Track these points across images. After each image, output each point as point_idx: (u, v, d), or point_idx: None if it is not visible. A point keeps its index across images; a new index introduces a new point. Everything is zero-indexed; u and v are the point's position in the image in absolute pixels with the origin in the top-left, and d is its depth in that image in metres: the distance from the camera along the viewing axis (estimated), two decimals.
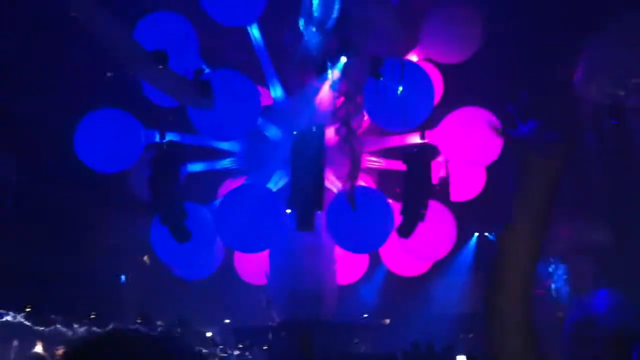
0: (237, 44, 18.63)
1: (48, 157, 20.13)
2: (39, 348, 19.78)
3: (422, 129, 18.27)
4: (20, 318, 19.87)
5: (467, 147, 18.25)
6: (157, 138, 18.26)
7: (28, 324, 20.60)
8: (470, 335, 21.96)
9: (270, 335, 20.66)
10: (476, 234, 22.47)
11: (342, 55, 16.46)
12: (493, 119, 15.42)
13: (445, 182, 18.63)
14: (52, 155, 19.74)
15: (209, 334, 23.24)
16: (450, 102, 18.62)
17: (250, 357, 22.59)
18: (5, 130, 19.79)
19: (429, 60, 18.90)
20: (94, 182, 19.80)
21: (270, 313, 20.95)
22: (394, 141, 19.36)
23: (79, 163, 18.02)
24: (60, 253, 21.41)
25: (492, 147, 18.44)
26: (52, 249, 21.40)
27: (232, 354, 22.29)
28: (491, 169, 19.12)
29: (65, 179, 20.00)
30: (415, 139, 18.66)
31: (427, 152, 18.22)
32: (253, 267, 20.97)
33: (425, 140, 18.50)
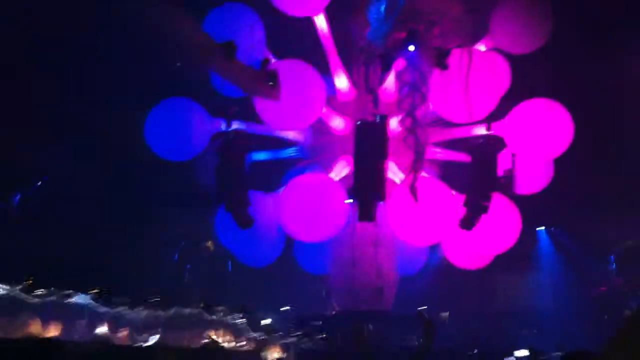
0: (304, 34, 18.74)
1: (110, 151, 20.64)
2: (102, 329, 20.40)
3: (488, 121, 18.02)
4: (85, 300, 20.41)
5: (534, 139, 17.96)
6: (224, 127, 18.58)
7: (93, 305, 21.16)
8: (534, 331, 21.67)
9: (328, 324, 20.78)
10: (542, 228, 22.11)
11: (408, 45, 16.35)
12: None
13: (510, 174, 18.35)
14: (114, 149, 20.25)
15: (267, 321, 23.53)
16: (518, 94, 18.32)
17: (308, 345, 22.79)
18: (66, 124, 20.39)
19: (498, 50, 18.62)
20: (154, 175, 20.27)
21: (329, 302, 21.07)
22: (459, 132, 19.17)
23: (141, 155, 18.48)
24: (126, 243, 22.02)
25: (560, 140, 18.14)
26: (118, 236, 22.03)
27: (290, 342, 22.54)
28: (559, 162, 18.82)
29: (127, 173, 20.55)
30: (481, 130, 18.43)
31: (492, 144, 17.97)
32: (314, 256, 21.14)
33: (491, 132, 18.24)
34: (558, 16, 18.21)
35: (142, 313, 21.80)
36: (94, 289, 18.28)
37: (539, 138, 17.86)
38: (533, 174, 18.93)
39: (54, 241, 19.95)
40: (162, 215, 22.67)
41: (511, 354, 20.65)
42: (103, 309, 19.59)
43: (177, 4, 14.52)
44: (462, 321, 22.27)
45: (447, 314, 24.24)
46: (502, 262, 19.83)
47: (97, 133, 19.63)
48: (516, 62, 18.73)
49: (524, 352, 18.76)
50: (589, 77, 18.45)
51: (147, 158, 18.86)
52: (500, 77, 17.35)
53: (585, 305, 22.25)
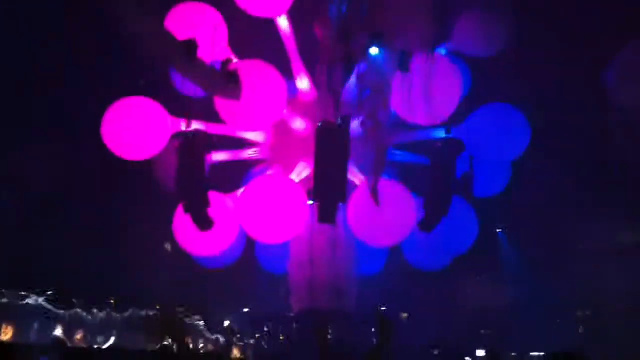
0: (265, 35, 18.68)
1: (75, 148, 20.30)
2: (59, 331, 20.00)
3: (448, 124, 18.23)
4: (42, 301, 20.05)
5: (492, 142, 18.24)
6: (184, 127, 18.36)
7: (49, 307, 20.77)
8: (489, 332, 22.03)
9: (288, 325, 20.78)
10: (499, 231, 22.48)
11: (370, 48, 16.42)
12: None
13: (469, 177, 18.59)
14: (79, 147, 19.93)
15: (226, 323, 23.47)
16: (477, 97, 18.59)
17: (267, 346, 22.75)
18: (30, 120, 20.01)
19: (458, 53, 18.83)
20: (116, 173, 19.98)
21: (288, 303, 21.05)
22: (419, 135, 19.34)
23: (103, 153, 18.17)
24: (82, 241, 21.64)
25: (517, 143, 18.46)
26: (75, 236, 21.63)
27: (249, 342, 22.52)
28: (516, 165, 19.16)
29: (90, 170, 20.23)
30: (440, 133, 18.63)
31: (452, 147, 18.17)
32: (274, 256, 21.08)
33: (451, 135, 18.45)
34: (518, 20, 18.52)
35: (98, 315, 21.44)
36: (49, 290, 17.92)
37: (497, 141, 18.14)
38: (491, 177, 19.22)
39: (10, 239, 19.52)
40: (121, 216, 22.37)
41: (471, 354, 20.99)
42: (59, 311, 19.20)
43: (139, 2, 14.33)
44: (422, 322, 22.51)
45: (406, 314, 24.49)
46: (461, 263, 20.10)
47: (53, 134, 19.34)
48: (475, 66, 19.01)
49: (482, 353, 19.08)
50: (548, 80, 18.83)
51: (106, 157, 18.55)
52: (460, 81, 17.55)
53: (545, 306, 22.69)
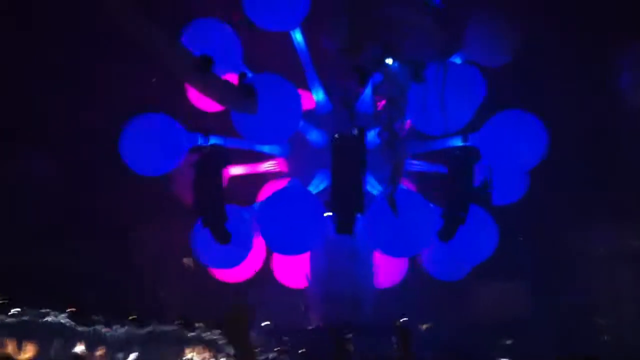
0: (280, 49, 18.81)
1: (89, 161, 20.48)
2: (79, 348, 20.05)
3: (464, 132, 18.19)
4: (61, 318, 20.06)
5: (509, 150, 18.17)
6: (201, 141, 18.50)
7: (70, 324, 20.79)
8: (509, 342, 21.76)
9: (307, 339, 20.69)
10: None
11: (385, 59, 16.45)
12: None
13: (487, 185, 18.50)
14: (94, 159, 20.11)
15: None
16: (494, 105, 18.54)
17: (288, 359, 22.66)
18: (46, 133, 20.22)
19: (473, 62, 18.83)
20: (134, 186, 20.12)
21: (307, 316, 21.01)
22: (436, 144, 19.32)
23: (119, 167, 18.33)
24: (101, 256, 21.76)
25: (534, 150, 18.37)
26: (94, 251, 21.76)
27: (269, 357, 22.39)
28: (534, 173, 19.06)
29: (107, 183, 20.37)
30: (457, 142, 18.59)
31: (469, 156, 18.12)
32: (291, 270, 21.09)
33: (468, 144, 18.41)
34: (532, 26, 18.53)
35: (119, 331, 21.50)
36: (70, 307, 17.99)
37: (514, 149, 18.08)
38: (509, 185, 19.12)
39: (23, 251, 19.68)
40: (140, 226, 22.49)
41: None
42: (80, 328, 19.27)
43: (153, 18, 14.46)
44: (443, 332, 22.33)
45: (426, 325, 24.31)
46: (481, 272, 19.97)
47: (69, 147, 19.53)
48: (491, 74, 18.99)
49: None
50: (564, 88, 18.78)
51: (120, 171, 18.69)
52: (476, 89, 17.54)
53: (564, 314, 22.46)
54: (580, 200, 20.11)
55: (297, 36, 18.81)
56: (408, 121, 18.19)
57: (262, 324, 25.09)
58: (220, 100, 17.26)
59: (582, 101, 19.67)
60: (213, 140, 18.62)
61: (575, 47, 19.32)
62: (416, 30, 16.40)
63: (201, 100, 18.35)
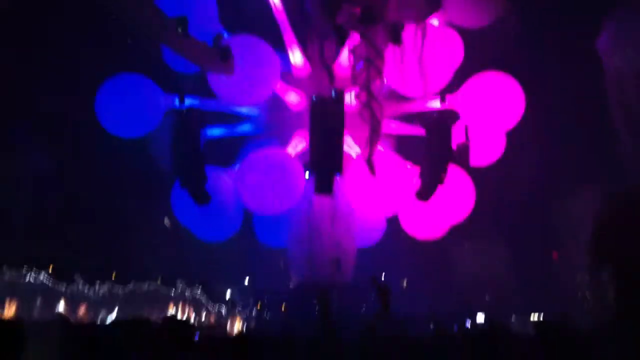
0: (257, 9, 18.47)
1: (71, 124, 20.31)
2: (61, 306, 20.21)
3: (442, 94, 18.15)
4: (43, 277, 20.18)
5: (487, 111, 18.19)
6: (177, 103, 18.32)
7: (51, 283, 20.93)
8: (487, 299, 22.27)
9: (287, 297, 20.97)
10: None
11: (362, 20, 16.24)
12: None
13: (464, 147, 18.57)
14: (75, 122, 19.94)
15: (228, 294, 23.71)
16: (471, 67, 18.46)
17: (268, 317, 22.98)
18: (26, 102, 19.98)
19: (451, 24, 18.65)
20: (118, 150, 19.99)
21: (288, 275, 21.22)
22: (414, 106, 19.27)
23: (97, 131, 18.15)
24: (85, 217, 21.76)
25: (512, 112, 18.40)
26: (77, 212, 21.75)
27: (250, 314, 22.78)
28: (511, 135, 19.12)
29: (88, 145, 20.23)
30: (435, 103, 18.57)
31: (447, 117, 18.13)
32: (272, 229, 21.20)
33: (446, 105, 18.39)
34: None
35: (100, 290, 21.65)
36: (50, 266, 18.07)
37: (492, 110, 18.09)
38: (486, 146, 19.20)
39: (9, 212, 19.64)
40: (119, 192, 22.47)
41: (471, 319, 21.22)
42: (61, 286, 19.38)
43: None
44: (421, 290, 22.71)
45: (404, 282, 24.72)
46: (458, 232, 20.19)
47: (48, 113, 19.28)
48: (468, 36, 18.83)
49: (480, 318, 19.30)
50: (541, 49, 18.69)
51: (99, 135, 18.54)
52: (454, 51, 17.43)
53: (541, 272, 22.88)
54: (557, 160, 20.28)
55: None
56: (386, 82, 18.10)
57: (243, 283, 25.51)
58: (196, 61, 17.02)
59: (561, 63, 19.62)
60: (189, 102, 18.41)
61: (556, 8, 19.17)
62: None
63: (177, 61, 18.08)
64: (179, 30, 15.40)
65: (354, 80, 17.03)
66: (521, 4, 18.10)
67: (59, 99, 19.01)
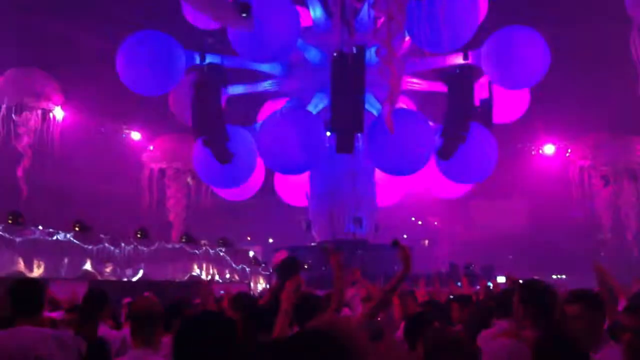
0: None
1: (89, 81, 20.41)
2: (88, 265, 20.57)
3: (465, 50, 17.85)
4: (70, 237, 20.53)
5: (511, 67, 17.86)
6: (198, 60, 18.30)
7: (77, 242, 21.29)
8: (510, 257, 22.19)
9: (310, 255, 21.10)
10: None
11: None
12: None
13: (487, 103, 18.32)
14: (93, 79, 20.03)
15: (251, 253, 23.93)
16: (495, 22, 18.12)
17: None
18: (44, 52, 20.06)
19: None
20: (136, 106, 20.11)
21: (310, 234, 21.35)
22: (436, 62, 19.01)
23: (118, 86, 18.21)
24: (104, 178, 22.01)
25: (536, 67, 18.07)
26: (96, 173, 22.00)
27: (273, 272, 22.97)
28: (535, 90, 18.83)
29: (107, 104, 20.33)
30: (457, 59, 18.28)
31: (469, 73, 17.86)
32: (293, 188, 21.31)
33: (468, 61, 18.10)
34: None
35: (125, 249, 22.03)
36: (75, 225, 18.38)
37: (516, 66, 17.76)
38: (510, 102, 18.94)
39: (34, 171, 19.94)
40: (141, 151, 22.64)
41: (490, 280, 21.16)
42: (87, 246, 19.76)
43: None
44: (444, 247, 22.72)
45: (426, 241, 24.72)
46: (480, 189, 20.08)
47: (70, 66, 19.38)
48: None
49: (502, 279, 19.20)
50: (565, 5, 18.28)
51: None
52: (476, 6, 17.08)
53: (563, 230, 22.68)
54: (580, 119, 19.97)
55: None
56: (407, 38, 17.85)
57: (266, 241, 25.76)
58: (216, 17, 16.92)
59: (588, 19, 19.17)
60: (210, 59, 18.37)
61: None
62: None
63: (197, 18, 18.00)
64: None
65: (375, 35, 16.79)
66: None
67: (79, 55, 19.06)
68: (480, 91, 18.25)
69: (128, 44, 17.90)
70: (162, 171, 22.22)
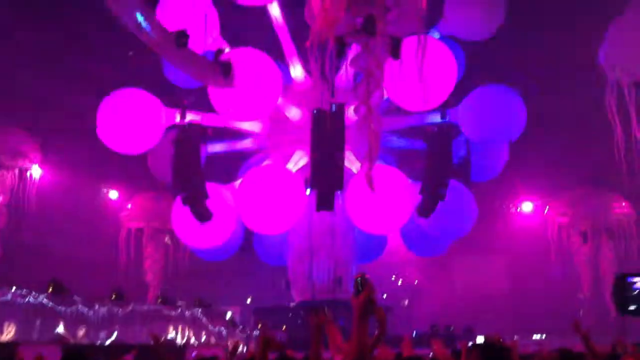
0: (257, 23, 18.60)
1: (69, 139, 20.29)
2: (60, 328, 19.94)
3: (443, 108, 18.14)
4: (43, 298, 19.97)
5: (488, 125, 18.15)
6: (178, 119, 18.33)
7: (50, 304, 20.71)
8: (490, 316, 21.97)
9: (289, 316, 20.74)
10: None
11: (362, 32, 16.26)
12: None
13: (465, 161, 18.51)
14: (72, 136, 19.92)
15: (229, 314, 23.44)
16: (472, 80, 18.50)
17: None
18: (24, 110, 19.97)
19: (452, 37, 18.75)
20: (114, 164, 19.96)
21: (289, 294, 21.03)
22: (414, 120, 19.26)
23: (96, 143, 18.13)
24: (81, 237, 21.63)
25: (513, 126, 18.38)
26: (72, 232, 21.62)
27: (251, 334, 22.47)
28: (513, 148, 19.10)
29: (85, 161, 20.18)
30: (435, 117, 18.55)
31: (447, 131, 18.09)
32: (273, 247, 21.08)
33: (446, 119, 18.37)
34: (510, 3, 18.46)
35: (99, 310, 21.42)
36: (50, 285, 17.87)
37: (493, 124, 18.06)
38: (488, 160, 19.15)
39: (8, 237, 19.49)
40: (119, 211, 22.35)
41: (471, 340, 20.90)
42: (60, 307, 19.18)
43: None
44: (423, 306, 22.49)
45: (406, 300, 24.46)
46: (459, 247, 20.06)
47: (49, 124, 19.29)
48: (469, 49, 18.93)
49: (480, 339, 19.01)
50: (541, 62, 18.77)
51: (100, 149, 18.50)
52: (454, 65, 17.44)
53: (542, 289, 22.65)
54: (559, 174, 20.22)
55: (275, 10, 18.63)
56: (386, 96, 18.10)
57: (244, 302, 25.28)
58: (197, 76, 17.05)
59: (561, 76, 19.68)
60: (190, 117, 18.41)
61: (555, 23, 19.31)
62: (396, 2, 16.19)
63: (178, 76, 18.13)
64: (180, 44, 15.43)
65: (353, 93, 16.99)
66: (521, 18, 18.22)
67: (57, 109, 19.03)
68: (458, 148, 18.46)
69: (108, 101, 17.89)
70: (139, 230, 21.93)
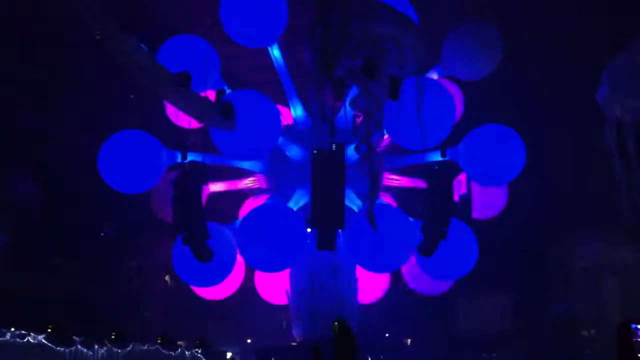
0: (258, 64, 18.84)
1: (70, 179, 20.36)
2: None
3: (443, 147, 18.22)
4: (42, 339, 19.80)
5: (488, 164, 18.21)
6: (179, 158, 18.43)
7: (49, 344, 20.54)
8: (494, 355, 21.76)
9: (291, 355, 20.54)
10: None
11: (362, 74, 16.44)
12: None
13: (466, 199, 18.53)
14: (75, 177, 19.99)
15: (229, 355, 23.22)
16: (471, 120, 18.61)
17: None
18: (26, 151, 20.08)
19: (450, 77, 18.93)
20: (115, 204, 20.00)
21: (291, 333, 20.88)
22: (415, 159, 19.34)
23: (100, 185, 18.21)
24: (81, 275, 21.55)
25: (514, 164, 18.43)
26: (74, 271, 21.55)
27: None
28: (513, 186, 19.11)
29: (87, 202, 20.22)
30: (436, 156, 18.63)
31: (448, 170, 18.16)
32: (274, 286, 20.99)
33: (446, 158, 18.44)
34: (508, 43, 18.66)
35: (99, 351, 21.25)
36: (49, 327, 17.77)
37: (493, 163, 18.11)
38: (489, 198, 19.16)
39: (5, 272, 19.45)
40: (119, 249, 22.33)
41: None
42: (59, 348, 19.02)
43: (131, 35, 14.42)
44: (425, 346, 22.27)
45: (408, 340, 24.23)
46: (462, 285, 19.93)
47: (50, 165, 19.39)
48: (468, 89, 19.09)
49: None
50: (541, 102, 18.90)
51: (99, 188, 18.55)
52: (453, 104, 17.59)
53: (547, 327, 22.45)
54: (560, 212, 20.19)
55: (275, 52, 18.87)
56: (386, 135, 18.22)
57: (245, 342, 25.06)
58: (198, 117, 17.21)
59: (561, 115, 19.78)
60: (191, 157, 18.51)
61: (554, 62, 19.47)
62: (396, 44, 16.40)
63: (179, 117, 18.29)
64: (182, 85, 15.60)
65: (354, 133, 17.12)
66: (519, 56, 18.41)
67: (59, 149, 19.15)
68: (459, 187, 18.50)
69: (110, 142, 18.02)
70: (140, 268, 21.88)
